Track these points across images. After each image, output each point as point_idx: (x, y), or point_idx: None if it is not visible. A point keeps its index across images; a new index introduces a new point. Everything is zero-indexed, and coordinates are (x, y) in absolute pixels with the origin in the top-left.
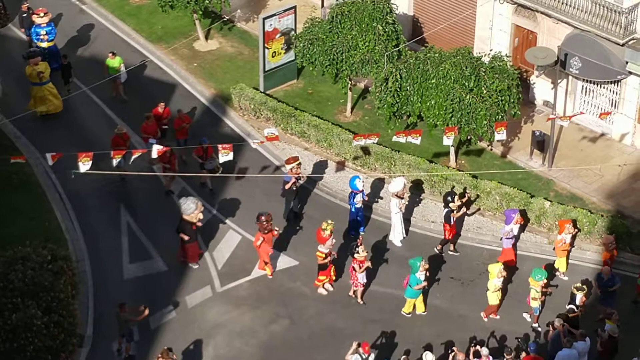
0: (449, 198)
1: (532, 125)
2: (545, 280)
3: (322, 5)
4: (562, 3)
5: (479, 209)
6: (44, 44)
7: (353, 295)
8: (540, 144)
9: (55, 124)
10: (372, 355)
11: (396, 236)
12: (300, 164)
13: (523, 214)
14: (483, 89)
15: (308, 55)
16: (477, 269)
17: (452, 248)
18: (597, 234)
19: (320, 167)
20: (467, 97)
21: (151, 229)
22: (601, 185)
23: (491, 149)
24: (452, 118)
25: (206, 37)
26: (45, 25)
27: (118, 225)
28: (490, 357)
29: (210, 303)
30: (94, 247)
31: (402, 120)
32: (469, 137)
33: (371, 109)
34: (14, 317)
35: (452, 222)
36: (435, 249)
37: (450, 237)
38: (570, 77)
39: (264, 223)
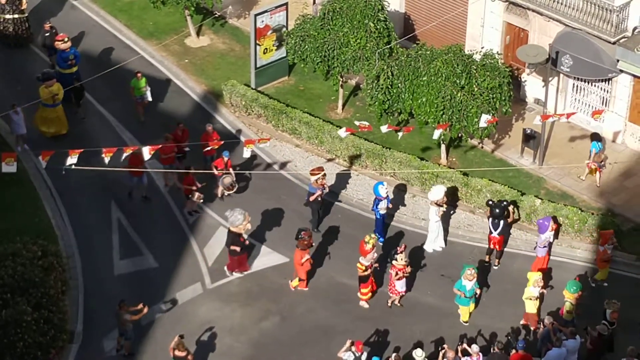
0: (495, 210)
1: (523, 123)
2: (580, 292)
3: (314, 2)
4: (554, 1)
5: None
6: (68, 70)
7: (390, 305)
8: (531, 141)
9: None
10: (365, 354)
11: (431, 243)
12: (325, 174)
13: (555, 219)
14: (474, 86)
15: (299, 52)
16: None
17: (496, 262)
18: (588, 232)
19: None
20: (459, 95)
21: (142, 226)
22: (591, 183)
23: (482, 147)
24: (443, 115)
25: (197, 34)
26: (68, 50)
27: (109, 221)
28: (481, 355)
29: (201, 300)
30: (84, 243)
31: (394, 117)
32: (460, 135)
33: (362, 106)
34: (4, 313)
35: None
36: (494, 265)
37: (493, 248)
38: (561, 75)
39: (306, 240)
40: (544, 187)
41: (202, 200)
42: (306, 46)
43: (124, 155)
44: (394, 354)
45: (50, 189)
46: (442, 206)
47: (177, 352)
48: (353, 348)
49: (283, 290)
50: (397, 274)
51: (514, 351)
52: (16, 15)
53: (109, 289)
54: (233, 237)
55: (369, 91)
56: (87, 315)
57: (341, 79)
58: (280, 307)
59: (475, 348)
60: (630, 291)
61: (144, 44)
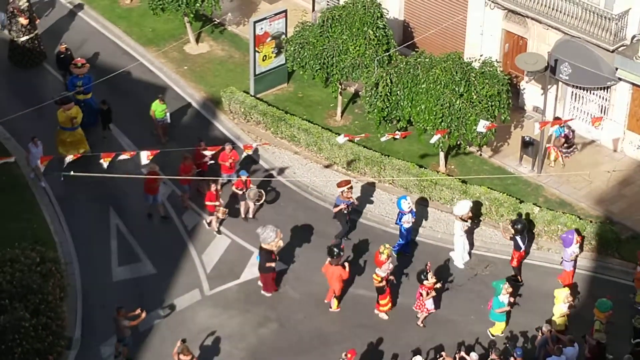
0: (517, 226)
1: (522, 130)
2: (611, 312)
3: (313, 9)
4: (553, 9)
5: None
6: (80, 96)
7: (422, 324)
8: (530, 149)
9: (45, 126)
10: None
11: (457, 258)
12: (351, 187)
13: (578, 231)
14: (473, 94)
15: (298, 59)
16: (466, 273)
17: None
18: (587, 240)
19: (308, 169)
20: (457, 102)
21: (140, 232)
22: (590, 191)
23: (480, 154)
24: (442, 123)
25: (197, 40)
26: (82, 76)
27: (107, 227)
28: None
29: (199, 306)
30: (82, 249)
31: (392, 124)
32: (458, 142)
33: (361, 114)
34: (2, 319)
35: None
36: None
37: (517, 265)
38: (560, 83)
39: (341, 255)
40: (543, 194)
41: (226, 216)
42: (305, 53)
43: (121, 156)
44: None
45: (49, 195)
46: (466, 221)
47: (182, 357)
48: (345, 357)
49: (281, 297)
50: (427, 293)
51: (512, 358)
52: (32, 35)
53: (107, 296)
54: (266, 255)
55: (367, 98)
56: (86, 321)
57: (340, 86)
58: (279, 314)
59: (474, 356)
60: (627, 298)
61: (143, 51)
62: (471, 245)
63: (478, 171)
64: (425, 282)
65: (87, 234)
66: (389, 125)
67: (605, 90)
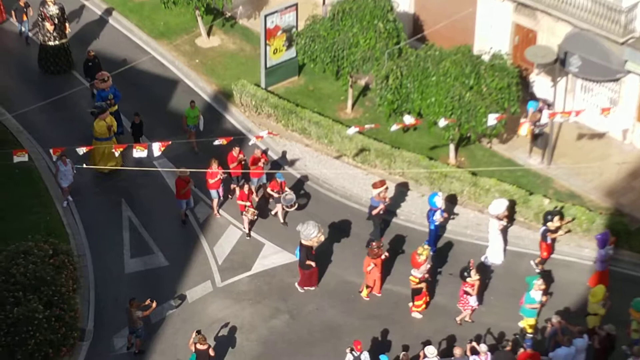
0: (549, 217)
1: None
2: None
3: (324, 3)
4: (562, 2)
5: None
6: (113, 108)
7: (460, 322)
8: (539, 140)
9: (57, 118)
10: (365, 353)
11: (494, 256)
12: (387, 188)
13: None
14: (483, 86)
15: (309, 52)
16: (476, 265)
17: (540, 267)
18: (596, 232)
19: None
20: (467, 95)
21: (152, 224)
22: (600, 183)
23: (490, 147)
24: (452, 115)
25: (208, 34)
26: (108, 89)
27: (119, 219)
28: (489, 354)
29: (211, 298)
30: (95, 241)
31: (402, 117)
32: (468, 135)
33: (372, 106)
34: (16, 310)
35: (549, 241)
36: (535, 269)
37: (546, 257)
38: (569, 76)
39: (375, 249)
40: (552, 186)
41: (256, 217)
42: (316, 46)
43: (133, 149)
44: (402, 353)
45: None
46: (501, 220)
47: (198, 346)
48: (354, 352)
49: (292, 289)
50: (471, 290)
51: (521, 349)
52: (63, 41)
53: (119, 287)
54: (306, 251)
55: (378, 91)
56: (98, 313)
57: (350, 79)
58: (289, 305)
59: (484, 347)
60: (636, 290)
61: (155, 45)
62: (505, 243)
63: (488, 163)
64: (468, 279)
65: (99, 227)
66: (399, 117)
67: (615, 82)
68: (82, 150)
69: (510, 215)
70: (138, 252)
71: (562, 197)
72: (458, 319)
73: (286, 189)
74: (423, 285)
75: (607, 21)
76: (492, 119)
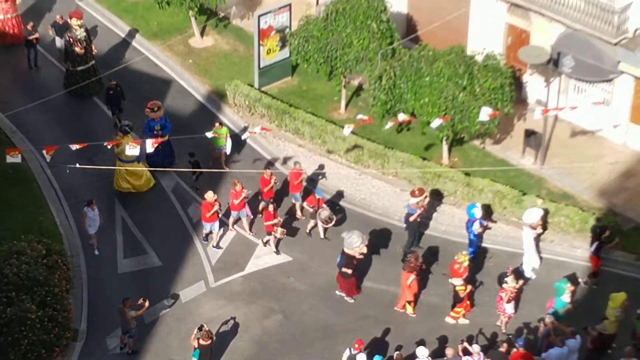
0: (599, 230)
1: (525, 123)
2: None
3: (317, 3)
4: (555, 2)
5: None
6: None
7: (501, 324)
8: (532, 140)
9: (52, 118)
10: (362, 354)
11: (528, 265)
12: (427, 196)
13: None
14: (476, 87)
15: (303, 53)
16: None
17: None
18: (589, 232)
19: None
20: (460, 95)
21: (146, 224)
22: (593, 183)
23: (484, 147)
24: (445, 116)
25: (202, 34)
26: (158, 120)
27: (113, 220)
28: (482, 354)
29: (204, 298)
30: (88, 242)
31: (396, 118)
32: (461, 135)
33: (365, 107)
34: (9, 311)
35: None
36: (583, 283)
37: (596, 269)
38: (562, 76)
39: (412, 262)
40: (545, 187)
41: (284, 236)
42: (309, 47)
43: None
44: (396, 353)
45: (55, 187)
46: (535, 229)
47: (201, 342)
48: (352, 350)
49: (285, 289)
50: (508, 296)
51: (514, 349)
52: (91, 63)
53: (112, 288)
54: (347, 259)
55: (371, 91)
56: (91, 313)
57: (344, 80)
58: (283, 305)
59: (476, 348)
60: (630, 290)
61: (148, 45)
62: (538, 251)
63: (481, 163)
64: (504, 285)
65: None
66: (393, 118)
67: (608, 83)
68: (74, 147)
69: (544, 224)
70: (131, 252)
71: (555, 197)
72: (498, 322)
73: (324, 205)
74: (469, 289)
75: (600, 22)
76: (484, 114)
